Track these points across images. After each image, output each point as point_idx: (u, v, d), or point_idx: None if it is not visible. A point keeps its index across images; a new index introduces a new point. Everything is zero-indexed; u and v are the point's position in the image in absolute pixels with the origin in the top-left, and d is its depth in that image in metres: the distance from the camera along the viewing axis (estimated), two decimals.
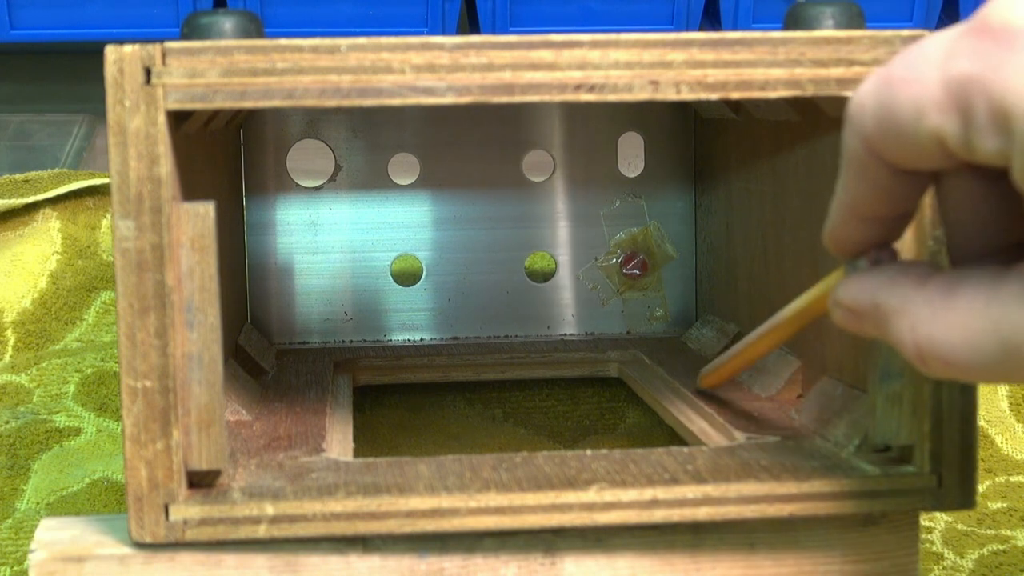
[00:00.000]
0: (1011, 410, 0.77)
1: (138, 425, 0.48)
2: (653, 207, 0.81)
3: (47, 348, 0.84)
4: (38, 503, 0.69)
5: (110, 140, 0.47)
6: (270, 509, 0.48)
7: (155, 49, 0.47)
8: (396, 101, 0.48)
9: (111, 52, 0.47)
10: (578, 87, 0.48)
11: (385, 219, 0.80)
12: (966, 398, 0.50)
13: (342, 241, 0.80)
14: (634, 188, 0.81)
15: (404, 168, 0.80)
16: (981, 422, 0.76)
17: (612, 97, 0.48)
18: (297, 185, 0.79)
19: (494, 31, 1.10)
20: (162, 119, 0.47)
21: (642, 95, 0.48)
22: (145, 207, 0.47)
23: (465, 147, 0.80)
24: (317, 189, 0.79)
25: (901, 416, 0.50)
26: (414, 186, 0.80)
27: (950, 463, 0.50)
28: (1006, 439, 0.75)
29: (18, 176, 0.94)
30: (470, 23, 1.14)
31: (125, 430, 0.48)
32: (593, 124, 0.80)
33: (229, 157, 0.74)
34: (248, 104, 0.47)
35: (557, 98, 0.48)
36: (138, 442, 0.48)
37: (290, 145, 0.79)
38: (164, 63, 0.47)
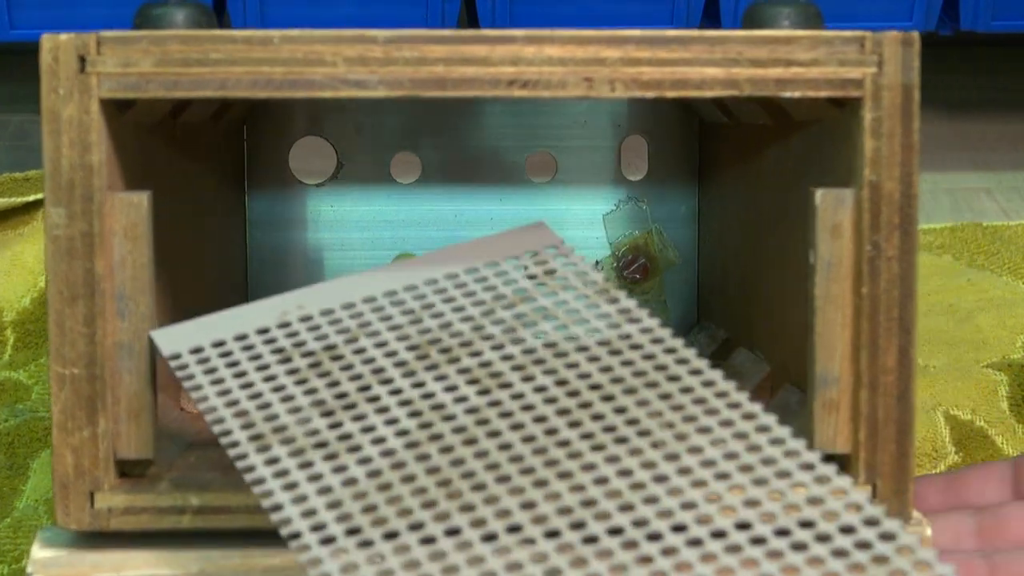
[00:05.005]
0: (1011, 410, 0.75)
1: (65, 412, 0.48)
2: (656, 211, 0.80)
3: (46, 347, 0.84)
4: (36, 502, 0.69)
5: (44, 128, 0.47)
6: (195, 500, 0.48)
7: (90, 38, 0.48)
8: (327, 94, 0.48)
9: (47, 40, 0.47)
10: (511, 83, 0.48)
11: (386, 217, 0.80)
12: (903, 406, 0.49)
13: (343, 239, 0.80)
14: (637, 191, 0.80)
15: (406, 167, 0.80)
16: (981, 422, 0.75)
17: (546, 94, 0.48)
18: (299, 182, 0.79)
19: None
20: (95, 107, 0.47)
21: (576, 92, 0.48)
22: (76, 195, 0.47)
23: (467, 147, 0.80)
24: (319, 186, 0.79)
25: (838, 424, 0.49)
26: (416, 185, 0.80)
27: (885, 473, 0.49)
28: (1006, 439, 0.73)
29: (18, 175, 0.95)
30: (470, 23, 1.13)
31: (53, 417, 0.48)
32: (596, 126, 0.79)
33: (230, 152, 0.74)
34: (180, 94, 0.48)
35: (489, 93, 0.48)
36: (65, 429, 0.48)
37: (292, 142, 0.79)
38: (99, 52, 0.47)
